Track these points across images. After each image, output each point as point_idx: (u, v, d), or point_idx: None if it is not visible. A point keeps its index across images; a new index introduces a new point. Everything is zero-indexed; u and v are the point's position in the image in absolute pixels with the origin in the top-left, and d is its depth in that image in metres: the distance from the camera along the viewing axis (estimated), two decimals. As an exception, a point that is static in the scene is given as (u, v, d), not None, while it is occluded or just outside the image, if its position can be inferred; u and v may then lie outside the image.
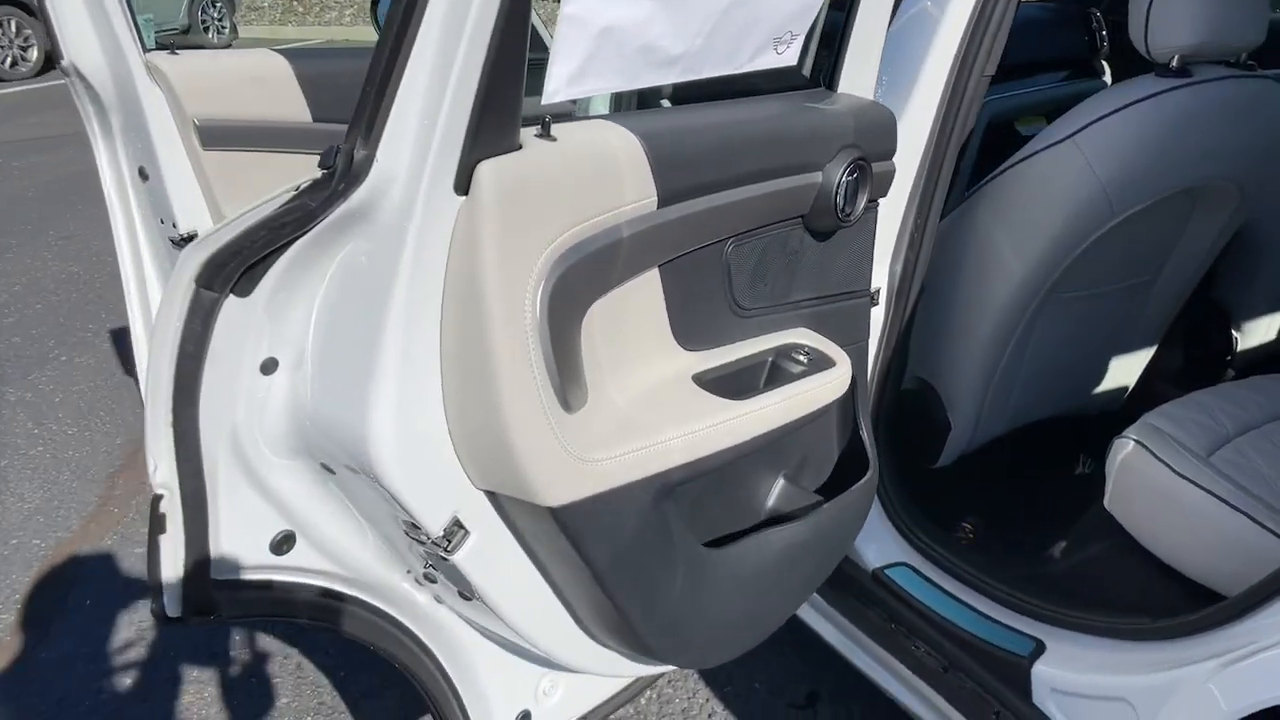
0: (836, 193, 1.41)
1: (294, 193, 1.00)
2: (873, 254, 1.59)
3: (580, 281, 1.12)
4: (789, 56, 1.43)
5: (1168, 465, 1.61)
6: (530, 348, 1.05)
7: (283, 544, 1.23)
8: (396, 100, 0.97)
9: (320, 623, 1.30)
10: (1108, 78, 2.85)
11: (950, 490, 2.08)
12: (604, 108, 1.90)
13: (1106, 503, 1.72)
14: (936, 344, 1.94)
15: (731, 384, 1.37)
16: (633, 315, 1.25)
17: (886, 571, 1.83)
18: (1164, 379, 2.29)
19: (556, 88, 1.11)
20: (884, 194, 1.55)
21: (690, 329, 1.34)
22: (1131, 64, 2.89)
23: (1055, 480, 2.22)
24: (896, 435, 1.83)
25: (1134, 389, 2.25)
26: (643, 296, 1.25)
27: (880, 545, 1.82)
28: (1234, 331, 2.30)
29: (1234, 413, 1.74)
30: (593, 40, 1.12)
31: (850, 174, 1.41)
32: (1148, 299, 2.08)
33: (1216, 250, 1.98)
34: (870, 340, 1.66)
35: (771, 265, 1.43)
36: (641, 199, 1.16)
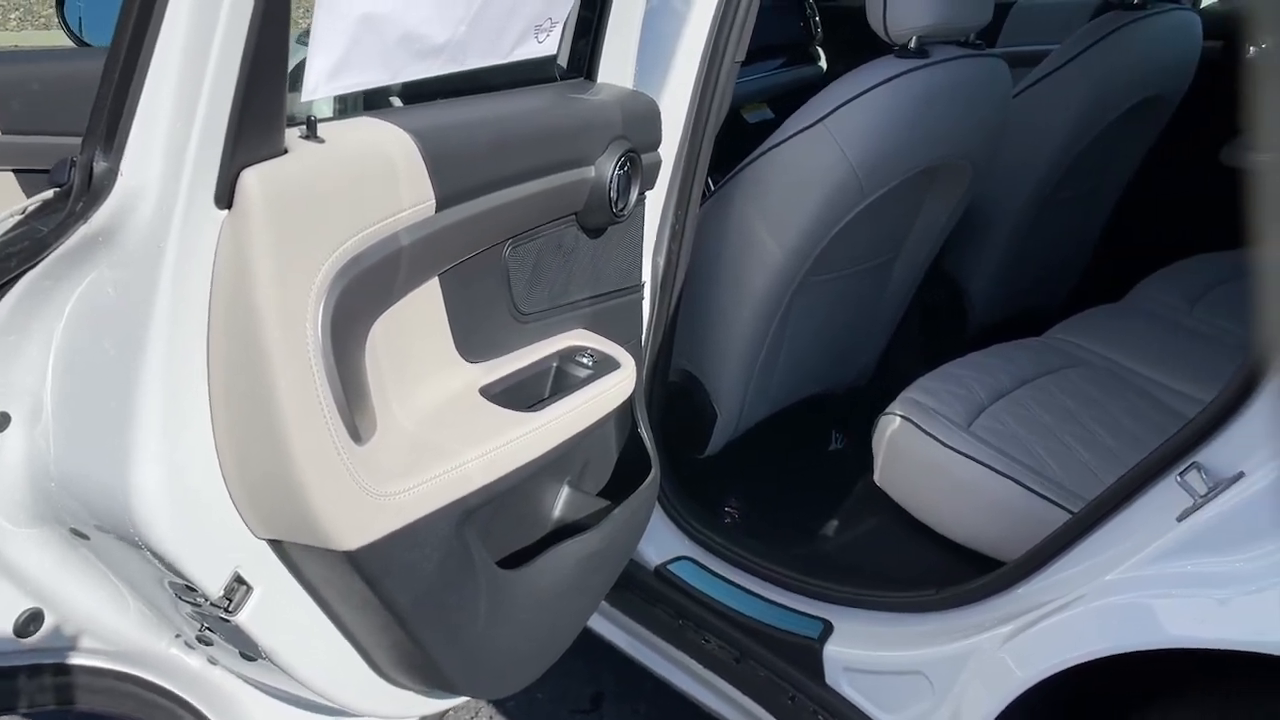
0: (610, 187, 1.36)
1: (19, 217, 0.82)
2: (643, 248, 1.56)
3: (362, 297, 1.01)
4: (549, 45, 1.37)
5: (933, 436, 1.69)
6: (315, 377, 0.93)
7: (29, 624, 1.04)
8: (141, 102, 0.82)
9: (77, 707, 1.12)
10: (823, 63, 2.97)
11: (720, 477, 2.10)
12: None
13: (877, 478, 1.79)
14: (700, 335, 1.94)
15: (519, 395, 1.30)
16: (415, 329, 1.15)
17: (669, 567, 1.81)
18: (907, 351, 2.41)
19: (316, 83, 0.99)
20: (651, 186, 1.52)
21: (473, 339, 1.26)
22: (848, 48, 3.09)
23: (814, 458, 2.29)
24: (665, 427, 1.82)
25: (879, 363, 2.36)
26: (424, 308, 1.15)
27: (659, 541, 1.80)
28: (965, 302, 2.45)
29: (986, 381, 1.85)
30: (352, 29, 1.01)
31: (622, 167, 1.37)
32: (889, 276, 2.18)
33: (951, 225, 2.10)
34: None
35: (548, 266, 1.37)
36: (420, 202, 1.06)
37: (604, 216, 1.38)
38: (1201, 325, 2.23)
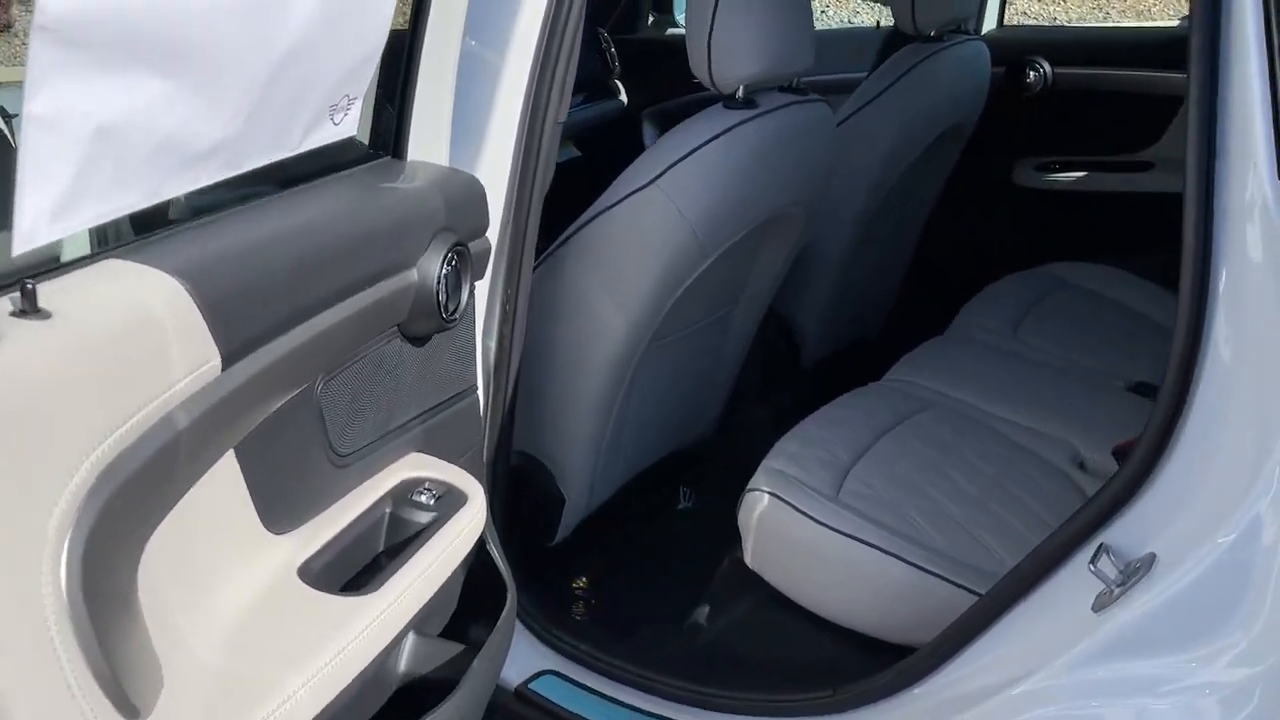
0: (437, 290, 1.14)
1: None
2: (475, 344, 1.35)
3: (129, 515, 0.75)
4: (348, 125, 1.13)
5: (804, 513, 1.56)
6: (60, 655, 0.66)
7: None
8: None
9: None
10: (624, 97, 2.83)
11: (573, 563, 1.91)
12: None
13: (748, 559, 1.64)
14: (541, 417, 1.75)
15: (349, 562, 1.06)
16: (204, 522, 0.88)
17: (530, 686, 1.62)
18: (747, 396, 2.31)
19: (34, 228, 0.72)
20: (482, 275, 1.31)
21: (281, 505, 1.00)
22: (646, 82, 2.98)
23: (670, 525, 2.13)
24: (510, 521, 1.62)
25: (723, 413, 2.24)
26: (215, 491, 0.89)
27: (517, 657, 1.59)
28: (798, 339, 2.38)
29: (844, 438, 1.74)
30: (84, 150, 0.75)
31: (449, 263, 1.15)
32: (729, 326, 2.06)
33: (786, 270, 2.01)
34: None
35: (370, 392, 1.13)
36: (199, 366, 0.81)
37: (432, 323, 1.16)
38: (1025, 349, 2.23)
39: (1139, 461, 1.09)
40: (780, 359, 2.40)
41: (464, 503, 1.17)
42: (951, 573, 1.48)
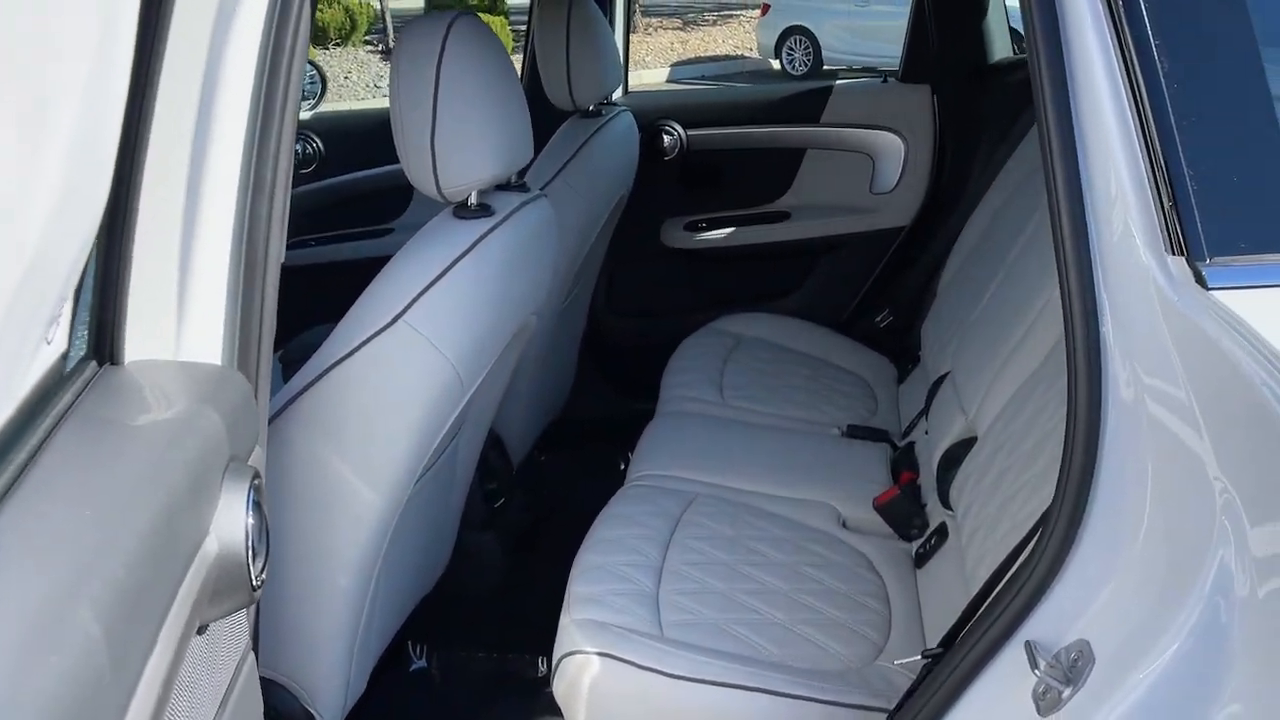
0: (246, 552, 0.82)
1: None
2: None
3: None
4: (62, 339, 0.78)
5: (643, 666, 1.38)
6: None
7: None
8: None
9: None
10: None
11: None
12: None
13: None
14: (277, 627, 1.40)
15: None
16: None
17: None
18: (473, 523, 2.07)
19: None
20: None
21: None
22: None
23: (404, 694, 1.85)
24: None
25: (456, 546, 1.99)
26: None
27: None
28: (504, 449, 2.19)
29: (635, 561, 1.60)
30: None
31: (253, 510, 0.84)
32: (457, 454, 1.82)
33: (509, 377, 1.82)
34: None
35: None
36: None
37: (241, 597, 0.84)
38: (739, 413, 2.23)
39: (1054, 544, 1.05)
40: (494, 471, 2.20)
41: None
42: (815, 690, 1.39)
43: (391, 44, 13.17)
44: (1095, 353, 1.00)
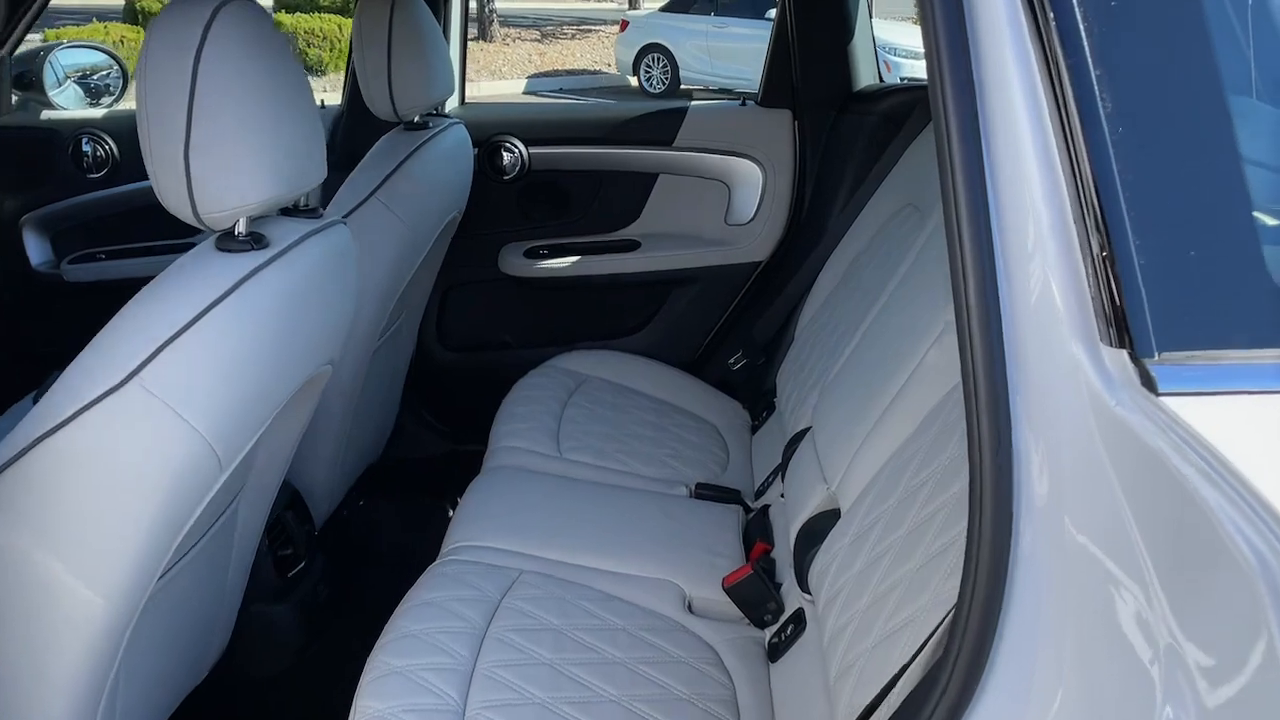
0: None
1: None
2: None
3: None
4: None
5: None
6: None
7: None
8: None
9: None
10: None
11: None
12: None
13: None
14: None
15: None
16: None
17: None
18: (260, 598, 1.77)
19: None
20: None
21: None
22: (18, 179, 2.25)
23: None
24: None
25: (241, 623, 1.70)
26: None
27: None
28: (307, 507, 1.89)
29: (439, 664, 1.33)
30: None
31: None
32: (234, 526, 1.52)
33: (300, 436, 1.54)
34: None
35: None
36: None
37: None
38: (577, 468, 1.99)
39: (946, 706, 0.83)
40: (290, 534, 1.89)
41: None
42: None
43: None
44: (1006, 463, 0.79)
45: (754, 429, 2.30)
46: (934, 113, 0.83)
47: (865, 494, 1.43)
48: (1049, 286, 0.76)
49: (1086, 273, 0.73)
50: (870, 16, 2.54)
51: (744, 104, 2.62)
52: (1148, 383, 0.69)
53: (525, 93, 13.16)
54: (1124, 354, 0.71)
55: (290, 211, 1.31)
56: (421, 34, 1.92)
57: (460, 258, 2.44)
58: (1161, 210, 0.72)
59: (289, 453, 1.56)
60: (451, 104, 2.55)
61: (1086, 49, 0.73)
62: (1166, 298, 0.70)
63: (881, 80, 2.60)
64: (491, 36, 14.98)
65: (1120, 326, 0.71)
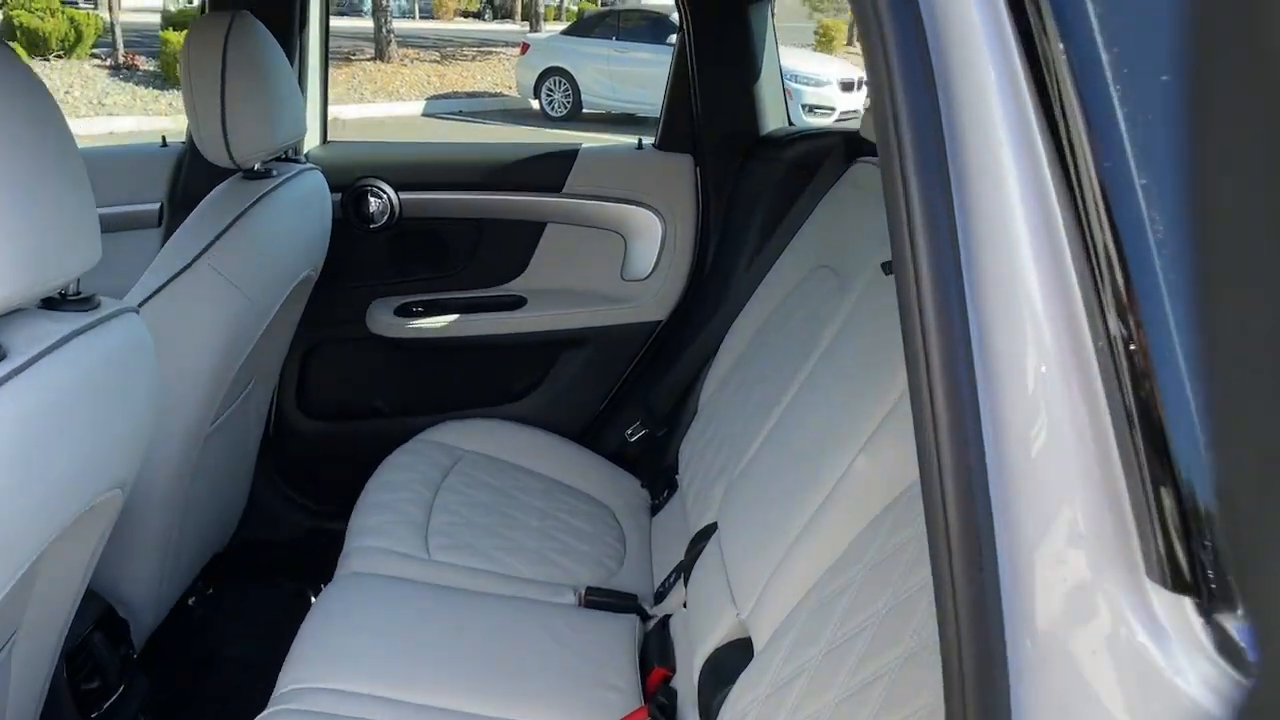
0: None
1: None
2: None
3: None
4: None
5: None
6: None
7: None
8: None
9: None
10: None
11: None
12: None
13: None
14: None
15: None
16: None
17: None
18: None
19: None
20: None
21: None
22: None
23: None
24: None
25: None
26: None
27: None
28: (124, 619, 1.58)
29: None
30: None
31: None
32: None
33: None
34: None
35: None
36: None
37: None
38: (448, 573, 1.72)
39: None
40: (99, 663, 1.56)
41: None
42: None
43: (121, 59, 11.93)
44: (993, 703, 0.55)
45: (654, 509, 2.05)
46: (885, 171, 0.60)
47: (783, 633, 1.20)
48: (1059, 467, 0.52)
49: (1125, 468, 0.50)
50: (778, 51, 2.33)
51: (640, 147, 2.39)
52: (1230, 652, 0.46)
53: (424, 114, 12.89)
54: (1187, 602, 0.48)
55: (53, 303, 1.02)
56: (263, 67, 1.63)
57: (323, 314, 2.15)
58: (1240, 352, 0.49)
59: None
60: (313, 143, 2.25)
61: (1111, 88, 0.51)
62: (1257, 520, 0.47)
63: (790, 121, 2.39)
64: (389, 57, 14.65)
65: (1182, 559, 0.48)
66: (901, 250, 0.58)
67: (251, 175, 1.70)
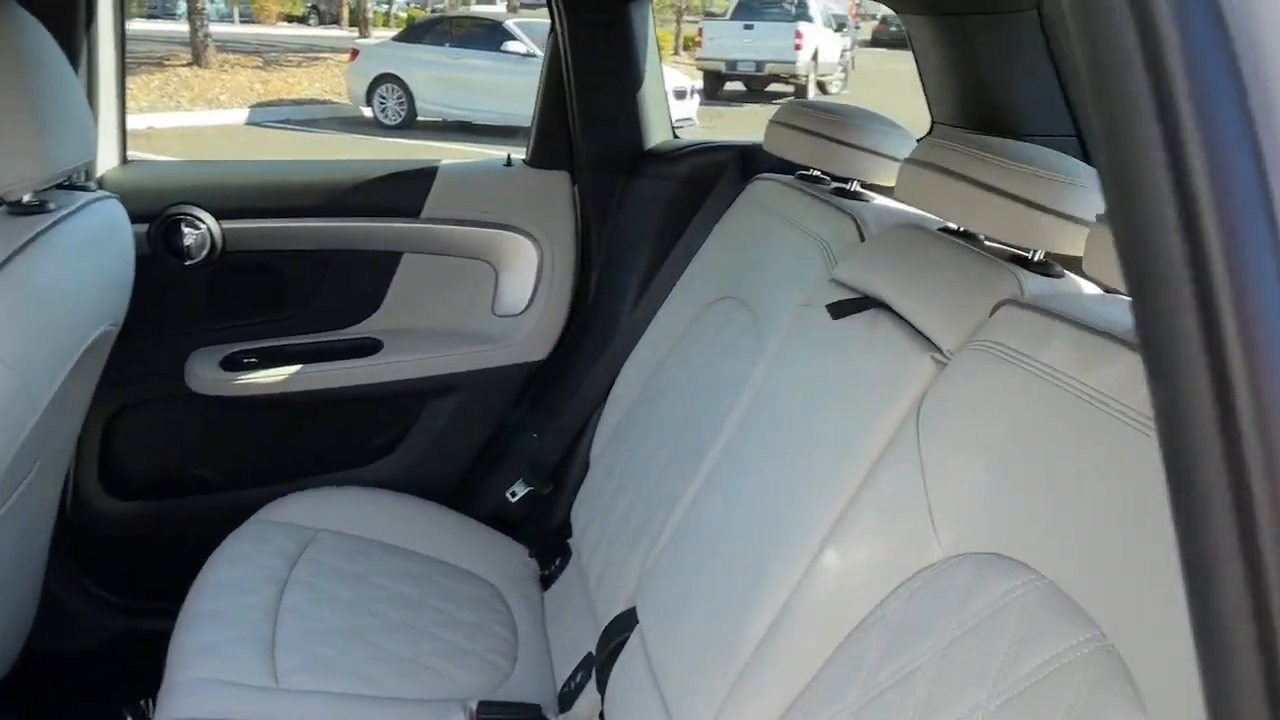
0: None
1: None
2: None
3: None
4: None
5: None
6: None
7: None
8: None
9: None
10: None
11: None
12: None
13: None
14: None
15: None
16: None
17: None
18: None
19: None
20: None
21: None
22: None
23: None
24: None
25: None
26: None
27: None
28: None
29: None
30: None
31: None
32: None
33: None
34: None
35: None
36: None
37: None
38: (303, 707, 1.40)
39: None
40: None
41: None
42: None
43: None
44: None
45: (544, 580, 1.77)
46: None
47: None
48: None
49: None
50: (660, 60, 2.10)
51: (510, 163, 2.10)
52: None
53: (248, 123, 12.24)
54: None
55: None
56: (32, 71, 1.27)
57: (131, 371, 1.79)
58: None
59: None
60: (109, 164, 1.87)
61: None
62: None
63: (675, 134, 2.16)
64: (207, 62, 13.87)
65: None
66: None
67: (19, 210, 1.33)
